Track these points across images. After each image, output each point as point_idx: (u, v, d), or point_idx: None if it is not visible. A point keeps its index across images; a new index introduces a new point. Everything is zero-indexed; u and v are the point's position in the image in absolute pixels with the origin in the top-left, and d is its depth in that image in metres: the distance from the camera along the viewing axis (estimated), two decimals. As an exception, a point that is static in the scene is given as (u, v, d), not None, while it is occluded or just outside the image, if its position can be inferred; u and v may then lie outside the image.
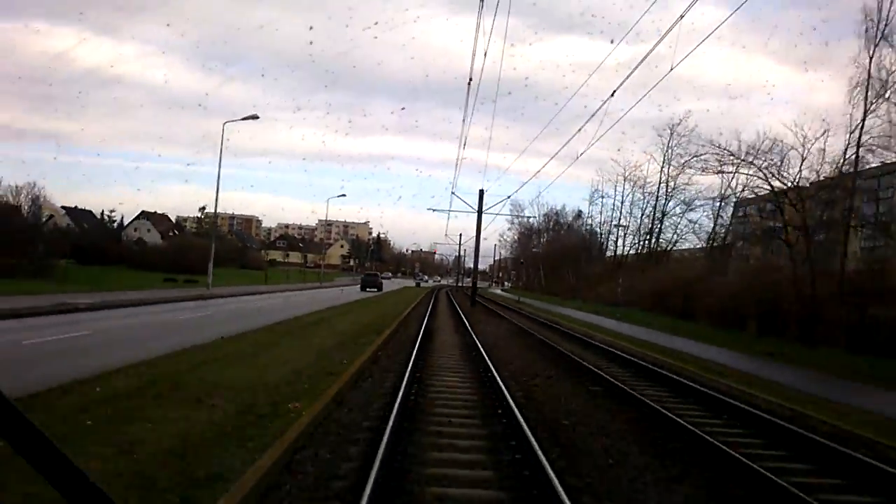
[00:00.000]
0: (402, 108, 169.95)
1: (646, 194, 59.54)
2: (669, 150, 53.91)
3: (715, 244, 47.92)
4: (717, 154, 30.82)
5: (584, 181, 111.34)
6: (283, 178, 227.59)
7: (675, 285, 36.85)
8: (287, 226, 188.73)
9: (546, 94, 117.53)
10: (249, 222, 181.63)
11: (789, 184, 27.67)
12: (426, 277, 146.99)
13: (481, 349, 15.60)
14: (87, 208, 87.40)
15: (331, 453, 6.46)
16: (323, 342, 15.19)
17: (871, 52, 25.34)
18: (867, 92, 25.33)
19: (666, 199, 56.14)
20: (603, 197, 74.89)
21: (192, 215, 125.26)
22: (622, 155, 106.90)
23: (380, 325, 20.65)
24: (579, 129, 25.50)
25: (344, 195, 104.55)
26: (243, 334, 16.06)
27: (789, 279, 26.33)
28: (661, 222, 57.05)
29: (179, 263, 59.25)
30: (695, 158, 36.00)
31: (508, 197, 64.09)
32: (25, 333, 14.42)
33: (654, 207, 58.14)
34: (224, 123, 38.21)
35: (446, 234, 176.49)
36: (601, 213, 73.14)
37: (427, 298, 46.53)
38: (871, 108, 25.43)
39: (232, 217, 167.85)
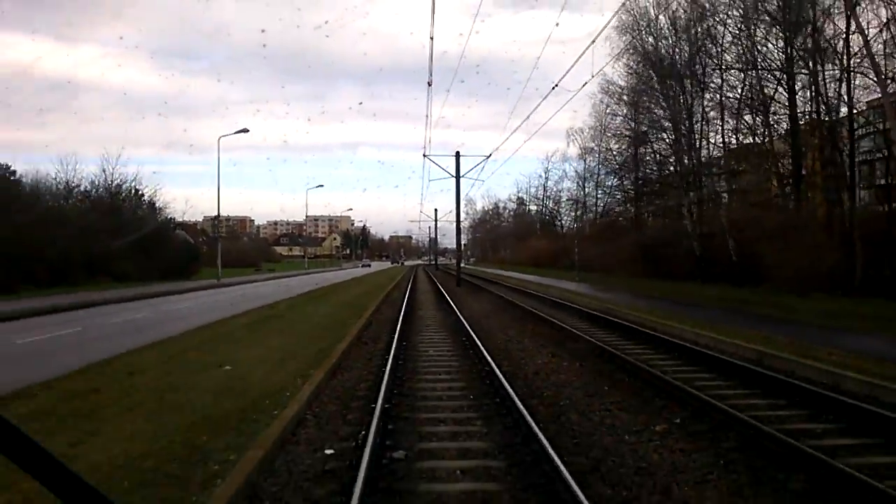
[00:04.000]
0: (360, 103, 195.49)
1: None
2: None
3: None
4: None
5: (550, 150, 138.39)
6: (253, 173, 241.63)
7: (536, 251, 74.99)
8: (276, 222, 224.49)
9: (505, 71, 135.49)
10: (244, 222, 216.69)
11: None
12: (402, 260, 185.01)
13: (433, 277, 53.56)
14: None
15: (406, 279, 44.30)
16: (391, 274, 53.35)
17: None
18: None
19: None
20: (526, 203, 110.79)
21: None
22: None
23: (402, 274, 58.88)
24: (524, 120, 62.50)
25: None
26: (366, 275, 53.72)
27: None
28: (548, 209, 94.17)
29: (230, 261, 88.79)
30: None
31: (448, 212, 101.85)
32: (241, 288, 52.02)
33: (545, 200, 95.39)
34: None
35: (419, 229, 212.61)
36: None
37: (411, 271, 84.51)
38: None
39: (228, 219, 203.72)
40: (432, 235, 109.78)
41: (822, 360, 10.73)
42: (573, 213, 66.64)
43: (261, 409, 7.52)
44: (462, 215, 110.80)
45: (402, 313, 20.00)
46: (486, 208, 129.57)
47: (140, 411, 7.35)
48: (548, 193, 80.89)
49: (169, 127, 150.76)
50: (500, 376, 9.60)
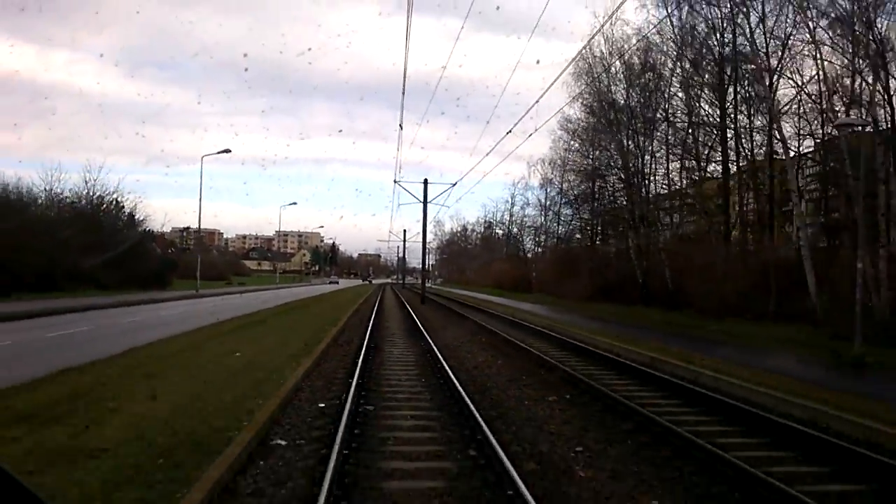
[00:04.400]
0: (340, 131, 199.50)
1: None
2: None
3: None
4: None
5: (517, 175, 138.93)
6: (224, 186, 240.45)
7: (499, 274, 78.31)
8: (245, 236, 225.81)
9: (483, 95, 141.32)
10: (213, 235, 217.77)
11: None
12: (371, 278, 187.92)
13: (400, 295, 56.45)
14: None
15: (374, 295, 47.19)
16: (360, 291, 56.07)
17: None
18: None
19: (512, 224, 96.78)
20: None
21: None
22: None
23: (370, 291, 61.60)
24: (493, 147, 65.65)
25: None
26: (336, 291, 56.42)
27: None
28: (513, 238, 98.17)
29: (201, 273, 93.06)
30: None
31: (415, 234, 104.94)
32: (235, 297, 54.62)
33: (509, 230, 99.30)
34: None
35: (388, 248, 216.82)
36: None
37: (379, 288, 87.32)
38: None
39: (197, 231, 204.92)
40: (400, 255, 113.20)
41: (695, 364, 13.95)
42: (536, 239, 70.28)
43: (271, 380, 10.48)
44: (430, 236, 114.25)
45: (370, 324, 22.95)
46: (455, 230, 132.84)
47: (188, 375, 10.29)
48: (513, 219, 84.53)
49: (146, 143, 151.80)
50: (447, 368, 12.65)
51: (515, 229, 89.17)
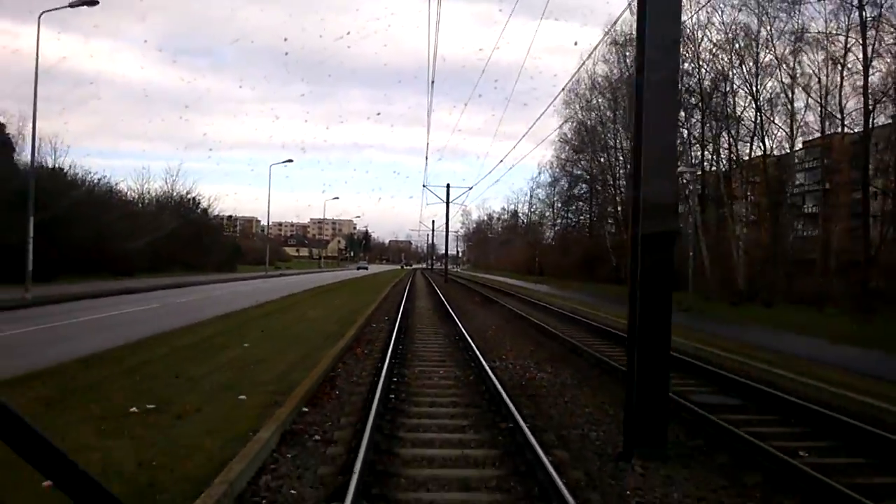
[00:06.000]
0: (378, 114, 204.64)
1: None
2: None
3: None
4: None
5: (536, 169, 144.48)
6: (263, 173, 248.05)
7: (516, 258, 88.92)
8: (280, 224, 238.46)
9: (512, 77, 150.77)
10: (251, 222, 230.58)
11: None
12: (406, 262, 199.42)
13: (428, 277, 67.24)
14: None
15: (408, 275, 58.15)
16: (394, 274, 67.19)
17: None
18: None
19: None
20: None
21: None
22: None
23: (404, 274, 72.75)
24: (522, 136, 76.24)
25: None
26: (375, 274, 67.45)
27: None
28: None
29: (248, 259, 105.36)
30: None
31: (452, 215, 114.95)
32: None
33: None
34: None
35: (418, 235, 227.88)
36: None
37: (410, 272, 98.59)
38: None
39: (235, 218, 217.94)
40: (430, 243, 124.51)
41: (600, 311, 24.39)
42: (550, 228, 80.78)
43: (359, 311, 21.28)
44: (458, 225, 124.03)
45: (406, 291, 33.84)
46: (481, 219, 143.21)
47: (320, 307, 21.17)
48: (532, 209, 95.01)
49: (188, 128, 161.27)
50: (447, 305, 23.32)
51: (535, 218, 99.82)
